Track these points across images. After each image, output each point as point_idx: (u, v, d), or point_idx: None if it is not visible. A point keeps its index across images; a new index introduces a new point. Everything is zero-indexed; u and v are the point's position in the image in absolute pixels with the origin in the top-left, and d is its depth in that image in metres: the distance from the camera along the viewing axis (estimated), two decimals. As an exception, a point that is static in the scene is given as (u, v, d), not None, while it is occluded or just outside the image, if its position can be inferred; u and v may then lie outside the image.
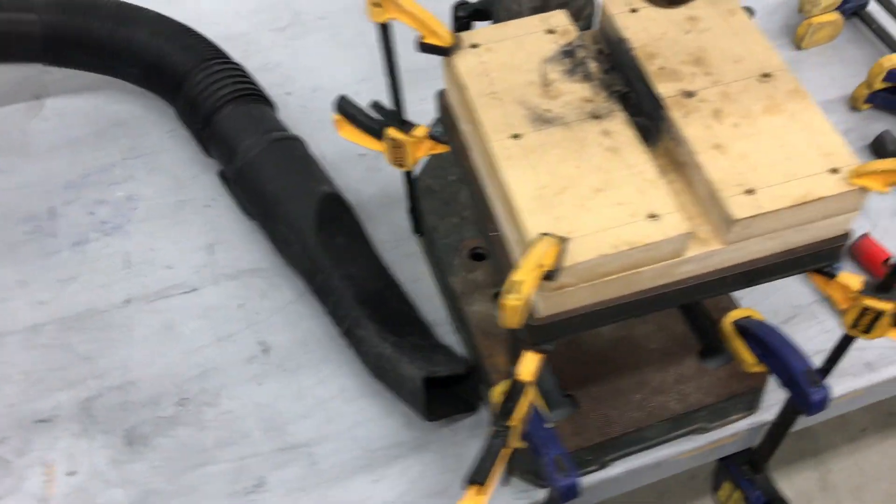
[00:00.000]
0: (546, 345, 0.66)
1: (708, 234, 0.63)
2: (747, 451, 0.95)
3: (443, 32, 0.70)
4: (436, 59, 0.72)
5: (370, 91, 0.88)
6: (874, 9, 1.22)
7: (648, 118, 0.69)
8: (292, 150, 1.01)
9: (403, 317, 0.93)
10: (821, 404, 0.75)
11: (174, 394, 0.93)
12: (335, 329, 0.93)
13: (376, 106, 0.83)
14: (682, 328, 0.89)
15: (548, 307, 0.63)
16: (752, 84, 0.68)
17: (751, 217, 0.61)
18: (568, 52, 0.71)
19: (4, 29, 1.04)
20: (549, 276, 0.58)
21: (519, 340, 0.64)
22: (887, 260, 0.97)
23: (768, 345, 0.79)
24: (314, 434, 0.90)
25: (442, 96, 0.77)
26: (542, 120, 0.67)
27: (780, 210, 0.61)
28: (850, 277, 0.69)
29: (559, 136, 0.66)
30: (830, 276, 0.69)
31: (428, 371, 0.84)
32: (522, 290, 0.54)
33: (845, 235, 0.67)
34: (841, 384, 0.92)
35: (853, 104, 1.13)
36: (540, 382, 0.84)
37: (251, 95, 1.05)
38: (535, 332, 0.64)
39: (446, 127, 0.77)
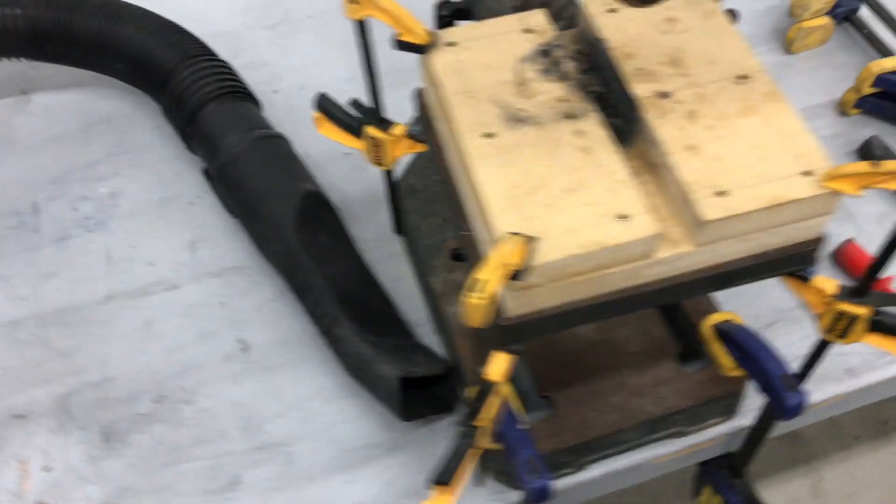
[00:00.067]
0: (516, 345, 0.65)
1: (679, 236, 0.63)
2: (728, 456, 0.94)
3: (419, 30, 0.70)
4: (424, 59, 0.72)
5: (357, 90, 0.87)
6: (866, 14, 1.21)
7: (624, 119, 0.69)
8: (275, 147, 1.00)
9: (383, 316, 0.92)
10: (796, 409, 0.75)
11: (152, 391, 0.92)
12: (315, 328, 0.92)
13: (355, 104, 0.83)
14: (661, 331, 0.88)
15: (517, 307, 0.62)
16: (728, 86, 0.68)
17: (722, 219, 0.61)
18: (544, 52, 0.71)
19: (-10, 24, 1.04)
20: (516, 275, 0.58)
21: (483, 339, 0.64)
22: (871, 265, 0.97)
23: (746, 349, 0.78)
24: (291, 433, 0.89)
25: (420, 95, 0.77)
26: (516, 119, 0.66)
27: (752, 212, 0.61)
28: (825, 281, 0.69)
29: (532, 136, 0.65)
30: (805, 279, 0.69)
31: (405, 371, 0.83)
32: (486, 289, 0.53)
33: (819, 239, 0.66)
34: (822, 390, 0.92)
35: (842, 109, 1.13)
36: (517, 383, 0.84)
37: (236, 93, 1.05)
38: (504, 332, 0.64)
39: (424, 125, 0.77)
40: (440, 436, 0.89)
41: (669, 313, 0.89)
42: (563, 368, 0.86)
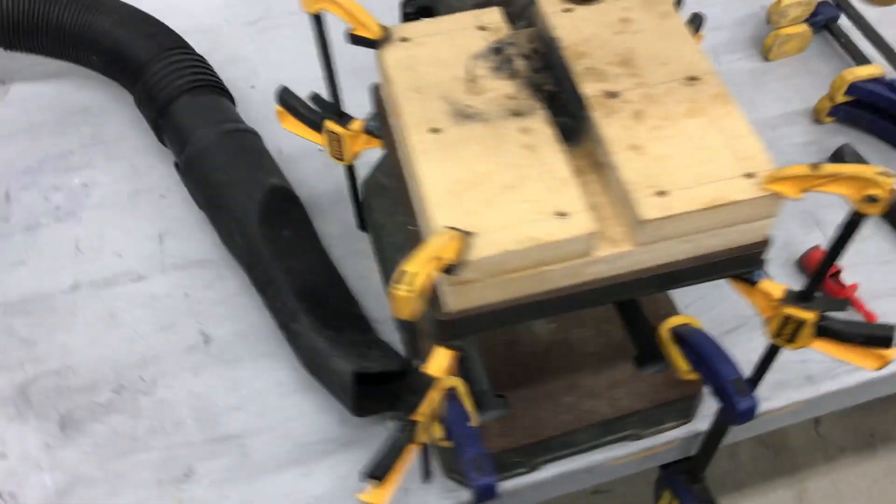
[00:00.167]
0: (457, 341, 0.65)
1: (620, 235, 0.63)
2: (687, 460, 0.94)
3: (372, 25, 0.70)
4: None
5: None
6: (845, 23, 1.21)
7: (573, 118, 0.68)
8: (244, 141, 1.01)
9: (343, 313, 0.92)
10: (748, 414, 0.74)
11: (111, 380, 0.93)
12: (275, 322, 0.92)
13: (315, 98, 0.83)
14: (620, 333, 0.88)
15: (457, 302, 0.62)
16: (677, 87, 0.67)
17: (660, 219, 0.60)
18: (497, 50, 0.71)
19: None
20: (449, 269, 0.58)
21: (410, 332, 0.64)
22: (836, 273, 0.96)
23: (701, 352, 0.78)
24: (247, 426, 0.89)
25: (376, 90, 0.77)
26: (464, 115, 0.66)
27: (691, 213, 0.61)
28: (772, 285, 0.69)
29: (478, 132, 0.65)
30: (752, 282, 0.69)
31: (359, 366, 0.83)
32: (414, 282, 0.53)
33: (764, 242, 0.66)
34: (781, 396, 0.92)
35: (816, 117, 1.13)
36: (474, 382, 0.84)
37: (209, 87, 1.05)
38: (445, 327, 0.64)
39: (380, 121, 0.77)
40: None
41: (628, 315, 0.89)
42: (520, 368, 0.86)
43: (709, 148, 0.63)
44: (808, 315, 0.67)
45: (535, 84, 0.69)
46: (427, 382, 0.64)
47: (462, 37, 0.71)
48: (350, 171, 0.90)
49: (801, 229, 1.03)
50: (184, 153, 1.00)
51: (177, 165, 1.04)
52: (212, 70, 1.09)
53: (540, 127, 0.66)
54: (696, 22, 0.84)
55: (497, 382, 0.85)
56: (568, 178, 0.62)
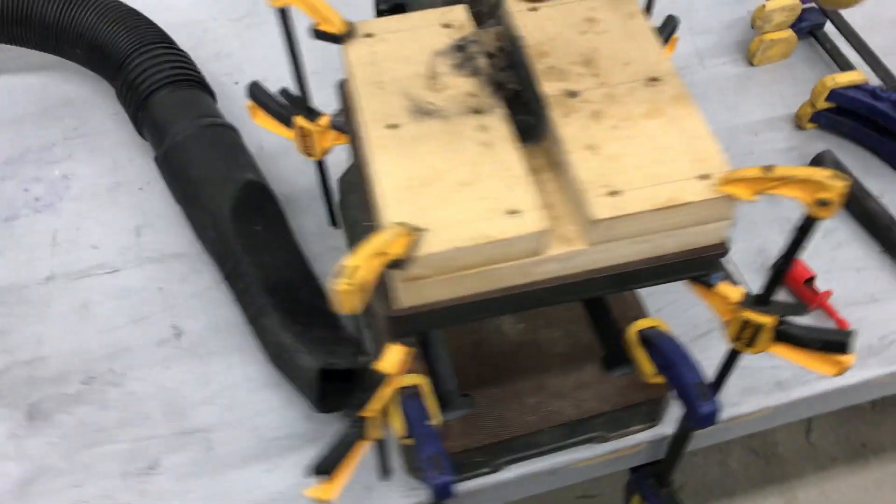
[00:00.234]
0: (410, 337, 0.65)
1: (573, 234, 0.63)
2: (655, 464, 0.94)
3: (335, 20, 0.70)
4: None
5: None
6: (831, 29, 1.20)
7: (534, 116, 0.68)
8: (221, 136, 1.01)
9: (314, 309, 0.92)
10: (709, 418, 0.74)
11: (82, 371, 0.93)
12: (244, 317, 0.92)
13: (284, 93, 0.83)
14: (589, 335, 0.88)
15: (409, 298, 0.62)
16: (638, 87, 0.67)
17: (612, 218, 0.60)
18: (460, 47, 0.70)
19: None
20: (397, 264, 0.58)
21: (349, 324, 0.64)
22: (809, 280, 0.96)
23: (665, 356, 0.78)
24: (214, 420, 0.90)
25: (342, 86, 0.77)
26: (423, 112, 0.66)
27: (643, 213, 0.60)
28: (730, 289, 0.69)
29: (436, 129, 0.65)
30: (709, 285, 0.68)
31: (324, 363, 0.83)
32: (355, 276, 0.53)
33: (721, 244, 0.66)
34: (751, 401, 0.91)
35: (798, 122, 1.12)
36: (440, 381, 0.83)
37: (189, 81, 1.06)
38: (397, 323, 0.64)
39: (345, 116, 0.77)
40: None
41: (598, 317, 0.89)
42: (487, 368, 0.86)
43: (665, 149, 0.63)
44: (766, 319, 0.67)
45: (497, 82, 0.69)
46: (378, 379, 0.64)
47: (426, 34, 0.71)
48: (320, 167, 0.90)
49: (779, 235, 1.02)
50: (161, 147, 1.00)
51: (156, 159, 1.04)
52: (193, 65, 1.09)
53: (498, 125, 0.65)
54: (670, 25, 0.84)
55: (464, 381, 0.85)
56: (522, 176, 0.62)
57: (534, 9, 0.73)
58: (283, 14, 0.74)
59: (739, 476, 1.72)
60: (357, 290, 0.54)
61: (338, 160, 0.97)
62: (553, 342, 0.87)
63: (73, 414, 0.90)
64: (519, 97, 0.70)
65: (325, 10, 0.69)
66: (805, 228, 0.60)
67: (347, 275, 0.53)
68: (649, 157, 0.63)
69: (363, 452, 0.66)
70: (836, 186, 0.56)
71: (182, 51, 1.10)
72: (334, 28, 0.70)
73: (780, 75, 1.19)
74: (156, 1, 1.18)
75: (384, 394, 0.65)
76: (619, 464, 0.91)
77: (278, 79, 0.88)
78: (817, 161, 1.06)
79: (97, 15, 1.08)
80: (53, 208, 1.06)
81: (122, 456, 0.87)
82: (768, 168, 0.59)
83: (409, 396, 0.73)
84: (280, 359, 0.87)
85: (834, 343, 0.66)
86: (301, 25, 0.75)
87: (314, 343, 0.86)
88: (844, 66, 1.15)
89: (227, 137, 1.01)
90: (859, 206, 1.02)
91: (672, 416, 0.88)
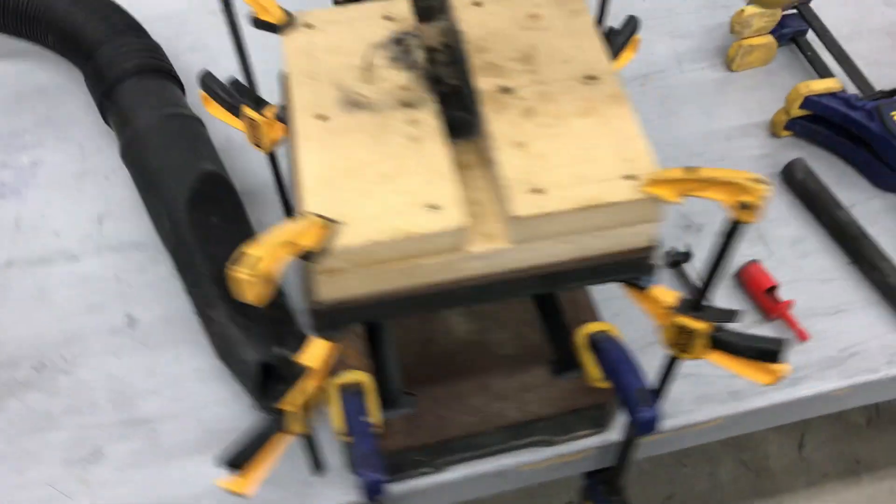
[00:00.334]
0: (332, 331, 0.64)
1: (497, 232, 0.62)
2: (607, 470, 0.92)
3: (274, 9, 0.70)
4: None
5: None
6: (814, 36, 1.18)
7: (469, 112, 0.67)
8: (184, 126, 1.00)
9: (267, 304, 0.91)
10: (648, 424, 0.73)
11: (33, 358, 0.93)
12: (193, 308, 0.92)
13: (234, 83, 0.82)
14: (538, 338, 0.87)
15: (329, 291, 0.62)
16: (574, 85, 0.66)
17: (534, 216, 0.59)
18: (398, 40, 0.70)
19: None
20: (309, 256, 0.57)
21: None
22: (771, 289, 0.94)
23: (609, 360, 0.77)
24: (160, 411, 0.89)
25: (283, 77, 0.76)
26: (354, 104, 0.66)
27: (565, 212, 0.59)
28: (664, 292, 0.67)
29: (365, 122, 0.65)
30: (640, 288, 0.67)
31: (268, 357, 0.83)
32: (258, 266, 0.53)
33: (650, 247, 0.64)
34: (704, 410, 0.90)
35: (773, 130, 1.10)
36: (386, 378, 0.83)
37: (156, 71, 1.05)
38: (318, 317, 0.63)
39: (284, 107, 0.76)
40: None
41: (549, 320, 0.87)
42: (434, 367, 0.85)
43: (594, 148, 0.62)
44: (699, 325, 0.66)
45: (435, 77, 0.68)
46: (298, 372, 0.63)
47: (366, 26, 0.71)
48: (273, 159, 0.89)
49: (745, 243, 1.00)
50: (124, 135, 1.00)
51: (119, 148, 1.04)
52: (163, 55, 1.09)
53: (428, 119, 0.65)
54: (630, 25, 0.83)
55: (409, 380, 0.84)
56: (446, 171, 0.61)
57: (477, 3, 0.72)
58: (227, 3, 0.73)
59: (728, 489, 1.70)
60: (260, 280, 0.53)
61: (295, 154, 0.96)
62: (502, 344, 0.86)
63: (21, 400, 0.90)
64: (458, 93, 0.69)
65: (264, 0, 0.69)
66: (730, 233, 0.58)
67: (249, 264, 0.52)
68: (577, 156, 0.62)
69: (283, 446, 0.65)
70: (758, 190, 0.55)
71: (152, 41, 1.10)
72: (273, 17, 0.69)
73: (760, 81, 1.17)
74: (135, -8, 1.18)
75: (305, 388, 0.64)
76: (568, 469, 0.89)
77: (255, 72, 0.87)
78: (788, 169, 1.04)
79: (70, 1, 1.08)
80: (19, 194, 1.07)
81: (65, 444, 0.87)
82: (691, 169, 0.57)
83: (351, 393, 0.73)
84: (225, 351, 0.86)
85: (765, 352, 0.64)
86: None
87: (260, 337, 0.85)
88: (824, 73, 1.14)
89: (190, 128, 1.01)
90: (829, 217, 1.01)
91: (621, 423, 0.87)
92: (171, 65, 1.09)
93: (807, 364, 0.92)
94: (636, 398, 0.73)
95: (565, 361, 0.84)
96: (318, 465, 0.76)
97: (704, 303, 0.67)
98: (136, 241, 1.02)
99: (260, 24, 0.70)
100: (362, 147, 0.63)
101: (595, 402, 0.84)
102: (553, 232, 0.61)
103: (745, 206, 0.56)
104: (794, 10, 1.17)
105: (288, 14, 0.70)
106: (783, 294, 0.95)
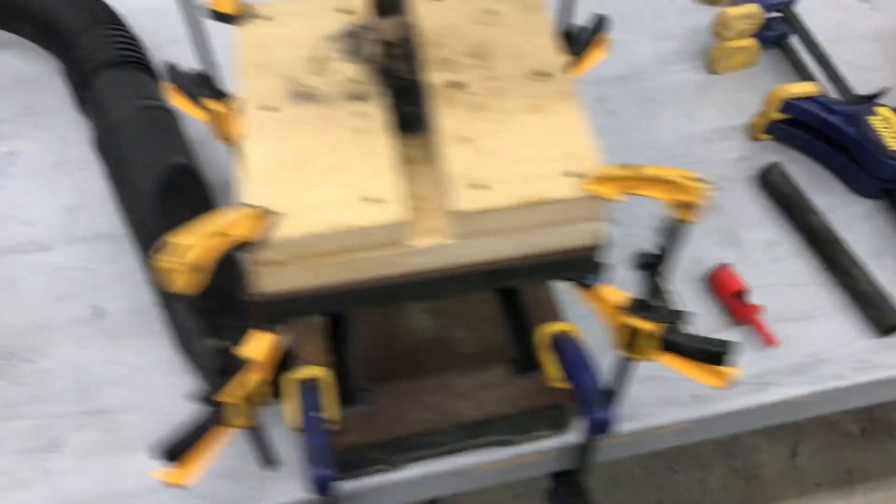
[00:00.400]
0: (273, 324, 0.64)
1: (440, 227, 0.61)
2: (571, 472, 0.92)
3: (228, 1, 0.69)
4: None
5: None
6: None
7: (420, 107, 0.67)
8: (157, 119, 1.00)
9: (229, 296, 0.91)
10: (602, 424, 0.73)
11: (1, 347, 0.93)
12: (156, 299, 0.92)
13: (199, 75, 0.82)
14: (500, 337, 0.86)
15: (268, 283, 0.61)
16: (525, 82, 0.66)
17: (475, 212, 0.59)
18: (353, 34, 0.69)
19: None
20: (244, 247, 0.57)
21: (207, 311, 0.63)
22: (739, 293, 0.93)
23: (568, 360, 0.76)
24: (121, 402, 0.89)
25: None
26: (303, 96, 0.65)
27: (507, 208, 0.59)
28: (613, 292, 0.67)
29: (314, 114, 0.64)
30: (586, 286, 0.67)
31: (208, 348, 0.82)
32: (187, 255, 0.52)
33: (594, 246, 0.64)
34: (667, 413, 0.89)
35: (752, 133, 1.09)
36: (345, 375, 0.82)
37: (133, 63, 1.05)
38: (259, 309, 0.63)
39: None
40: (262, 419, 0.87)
41: (511, 319, 0.87)
42: (391, 363, 0.85)
43: (539, 145, 0.62)
44: (647, 325, 0.65)
45: (388, 71, 0.68)
46: (238, 364, 0.63)
47: (322, 18, 0.71)
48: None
49: (718, 246, 1.00)
50: (98, 126, 1.00)
51: (92, 138, 1.04)
52: (140, 48, 1.09)
53: (376, 112, 0.64)
54: (598, 24, 0.82)
55: (370, 376, 0.84)
56: (389, 165, 0.61)
57: (436, -2, 0.71)
58: (185, -6, 0.73)
59: (718, 496, 1.69)
60: (188, 269, 0.53)
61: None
62: (463, 342, 0.86)
63: (-16, 388, 0.90)
64: (410, 87, 0.68)
65: (219, -11, 0.68)
66: (672, 231, 0.58)
67: (177, 253, 0.52)
68: (522, 153, 0.61)
69: (224, 439, 0.65)
70: (696, 189, 0.54)
71: (131, 33, 1.10)
72: (228, 8, 0.69)
73: (741, 84, 1.16)
74: (121, -16, 1.18)
75: (246, 380, 0.64)
76: (529, 469, 0.89)
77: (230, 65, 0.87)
78: (765, 173, 1.04)
79: (51, -7, 1.09)
80: (-5, 184, 1.07)
81: (25, 432, 0.87)
82: (633, 167, 0.57)
83: (307, 388, 0.72)
84: (185, 344, 0.86)
85: (711, 354, 0.64)
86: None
87: (220, 329, 0.85)
88: (807, 77, 1.12)
89: (163, 120, 1.01)
90: (803, 221, 1.00)
91: (581, 424, 0.86)
92: (147, 57, 1.09)
93: (774, 369, 0.91)
94: (591, 398, 0.72)
95: (525, 361, 0.84)
96: (268, 459, 0.76)
97: (656, 303, 0.66)
98: (108, 232, 1.02)
99: (216, 15, 0.70)
100: (310, 139, 0.63)
101: (553, 401, 0.83)
102: (496, 228, 0.60)
103: (684, 206, 0.55)
104: (779, 14, 1.16)
105: (245, 5, 0.70)
106: (755, 298, 0.94)
